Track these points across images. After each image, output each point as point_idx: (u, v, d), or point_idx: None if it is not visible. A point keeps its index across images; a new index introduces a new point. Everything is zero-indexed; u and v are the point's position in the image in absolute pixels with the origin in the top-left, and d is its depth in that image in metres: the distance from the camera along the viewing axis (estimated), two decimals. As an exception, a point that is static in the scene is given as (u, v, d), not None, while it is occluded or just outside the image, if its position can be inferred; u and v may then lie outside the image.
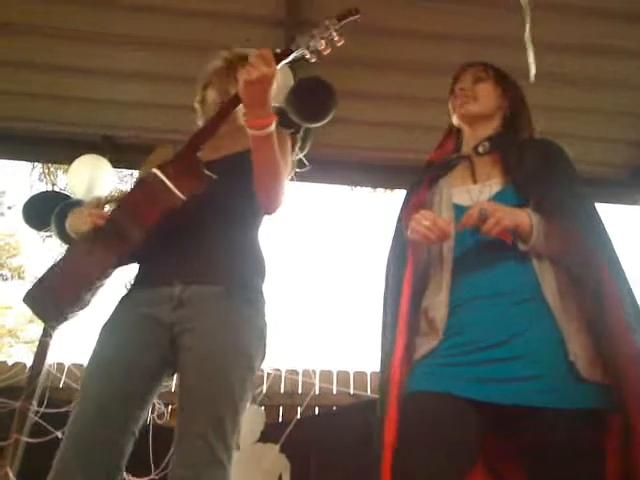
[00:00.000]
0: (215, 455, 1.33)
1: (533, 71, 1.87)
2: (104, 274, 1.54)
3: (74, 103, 3.56)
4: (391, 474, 1.23)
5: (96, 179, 3.44)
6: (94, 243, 1.54)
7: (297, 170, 2.13)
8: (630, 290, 1.33)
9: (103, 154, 3.57)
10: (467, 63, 1.73)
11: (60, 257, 1.60)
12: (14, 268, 11.58)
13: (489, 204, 1.39)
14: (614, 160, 3.89)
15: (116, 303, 1.62)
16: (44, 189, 7.42)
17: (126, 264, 1.61)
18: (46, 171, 8.02)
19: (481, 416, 1.26)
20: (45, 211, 3.24)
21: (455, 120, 1.69)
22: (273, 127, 1.51)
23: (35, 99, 3.56)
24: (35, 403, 3.19)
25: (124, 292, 1.64)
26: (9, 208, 10.74)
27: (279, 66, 1.50)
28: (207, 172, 1.54)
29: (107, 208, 1.62)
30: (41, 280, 1.56)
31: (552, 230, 1.37)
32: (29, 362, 3.55)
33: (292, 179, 1.84)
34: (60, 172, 7.66)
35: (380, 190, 9.06)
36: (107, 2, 3.04)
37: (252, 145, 1.54)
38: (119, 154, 3.73)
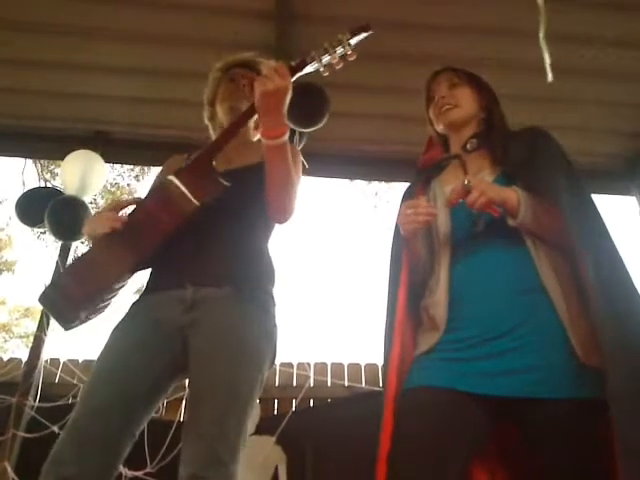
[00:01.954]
0: (218, 456, 1.33)
1: (549, 73, 1.88)
2: (120, 279, 1.55)
3: (66, 99, 3.55)
4: (386, 473, 1.24)
5: (89, 174, 3.42)
6: (111, 246, 1.55)
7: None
8: (612, 270, 1.29)
9: (95, 149, 3.56)
10: (435, 71, 1.74)
11: (76, 258, 1.60)
12: (4, 263, 11.55)
13: (474, 178, 1.40)
14: (608, 151, 3.91)
15: (128, 308, 1.62)
16: (37, 185, 7.40)
17: (142, 269, 1.63)
18: (39, 168, 7.99)
19: (484, 409, 1.27)
20: (38, 207, 3.23)
21: (440, 128, 1.70)
22: (286, 137, 1.54)
23: (26, 95, 3.54)
24: (31, 398, 3.19)
25: (136, 297, 1.64)
26: (0, 202, 10.70)
27: (294, 78, 1.52)
28: (221, 180, 1.56)
29: (123, 212, 1.62)
30: (57, 280, 1.59)
31: (541, 206, 1.37)
32: (24, 357, 3.56)
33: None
34: (58, 170, 7.65)
35: (375, 183, 9.13)
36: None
37: (265, 155, 1.57)
38: (111, 149, 3.72)
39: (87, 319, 1.58)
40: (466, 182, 1.35)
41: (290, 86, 1.49)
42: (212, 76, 1.95)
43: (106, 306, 1.60)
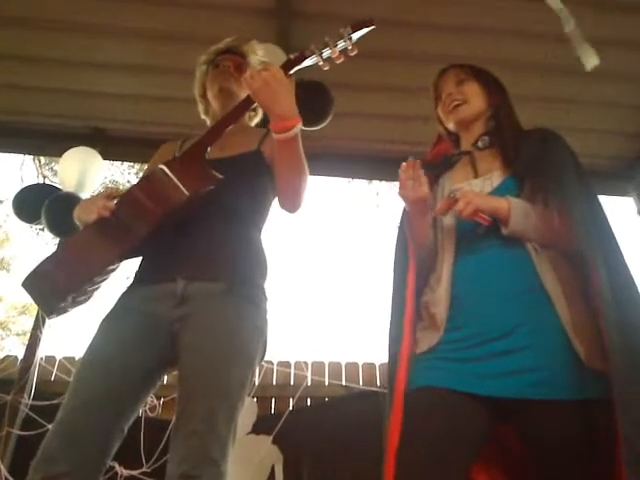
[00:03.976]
0: (208, 453, 1.32)
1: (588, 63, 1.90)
2: (107, 267, 1.52)
3: (65, 95, 3.54)
4: (394, 474, 1.23)
5: (87, 171, 3.42)
6: (98, 235, 1.53)
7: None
8: (622, 276, 1.30)
9: (94, 146, 3.55)
10: (442, 69, 1.73)
11: (62, 245, 1.57)
12: (1, 261, 11.53)
13: (462, 189, 1.41)
14: (606, 152, 3.89)
15: (117, 298, 1.60)
16: (35, 182, 7.38)
17: (129, 258, 1.60)
18: (38, 164, 7.97)
19: (484, 411, 1.26)
20: (36, 204, 3.22)
21: (450, 126, 1.69)
22: (297, 130, 1.50)
23: (25, 91, 3.53)
24: (26, 396, 3.18)
25: (125, 288, 1.62)
26: (1, 202, 10.63)
27: (292, 71, 1.52)
28: (214, 172, 1.54)
29: (115, 201, 1.59)
30: (40, 266, 1.54)
31: (538, 213, 1.37)
32: (20, 354, 3.54)
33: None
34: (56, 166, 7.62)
35: (376, 182, 9.11)
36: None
37: (276, 147, 1.55)
38: (110, 146, 3.71)
39: (72, 306, 1.56)
40: (451, 194, 1.37)
41: (282, 72, 1.47)
42: (198, 70, 1.95)
43: (93, 292, 1.58)
